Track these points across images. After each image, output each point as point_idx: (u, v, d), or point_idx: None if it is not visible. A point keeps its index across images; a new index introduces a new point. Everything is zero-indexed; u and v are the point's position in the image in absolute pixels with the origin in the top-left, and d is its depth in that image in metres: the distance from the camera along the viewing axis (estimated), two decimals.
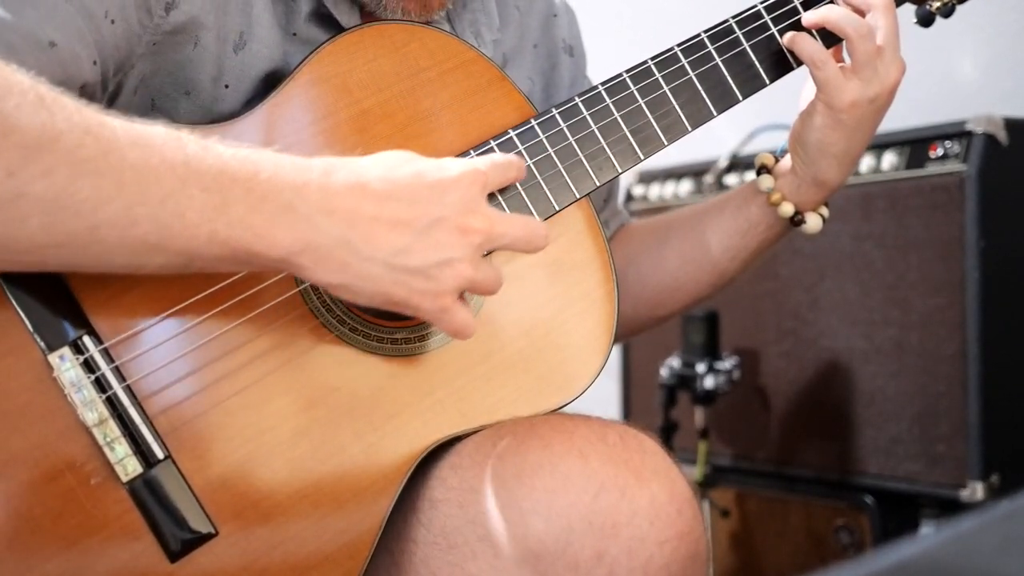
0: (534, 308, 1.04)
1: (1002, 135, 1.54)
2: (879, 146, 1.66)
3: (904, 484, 1.60)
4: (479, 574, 0.93)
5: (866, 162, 1.66)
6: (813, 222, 1.20)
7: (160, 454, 0.91)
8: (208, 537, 0.91)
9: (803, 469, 1.74)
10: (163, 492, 0.90)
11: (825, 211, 1.21)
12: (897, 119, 1.72)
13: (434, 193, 0.89)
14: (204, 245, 0.85)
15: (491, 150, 1.03)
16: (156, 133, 0.85)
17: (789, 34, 1.11)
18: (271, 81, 1.05)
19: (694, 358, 1.80)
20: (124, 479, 0.89)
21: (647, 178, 2.03)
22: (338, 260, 0.87)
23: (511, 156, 0.98)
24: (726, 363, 1.79)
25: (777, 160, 1.22)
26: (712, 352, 1.80)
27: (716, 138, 1.86)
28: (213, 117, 1.03)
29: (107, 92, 0.99)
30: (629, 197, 2.05)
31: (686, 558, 0.90)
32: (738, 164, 1.87)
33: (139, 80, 1.01)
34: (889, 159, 1.63)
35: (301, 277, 0.89)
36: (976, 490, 1.50)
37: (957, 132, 1.56)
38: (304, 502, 0.94)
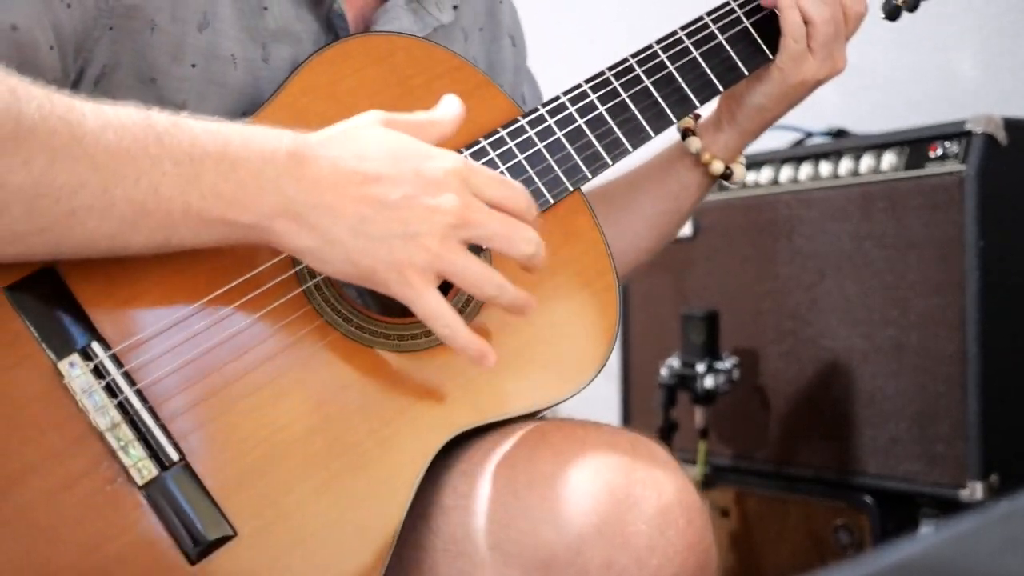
0: (538, 299, 1.05)
1: (1002, 135, 1.54)
2: (879, 146, 1.66)
3: (904, 484, 1.60)
4: None
5: (866, 162, 1.66)
6: (739, 171, 1.27)
7: (175, 456, 0.90)
8: (228, 538, 0.90)
9: (803, 469, 1.74)
10: (180, 494, 0.90)
11: (743, 159, 1.28)
12: (897, 119, 1.73)
13: (406, 169, 0.90)
14: (180, 219, 0.87)
15: (482, 148, 1.05)
16: (126, 113, 0.87)
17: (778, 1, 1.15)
18: (243, 64, 1.04)
19: (694, 358, 1.80)
20: (140, 482, 0.89)
21: None
22: (307, 225, 0.88)
23: (509, 179, 0.97)
24: (726, 363, 1.79)
25: (695, 120, 1.26)
26: (712, 352, 1.80)
27: None
28: (177, 107, 1.00)
29: (69, 80, 0.99)
30: None
31: (695, 568, 0.89)
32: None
33: (100, 72, 1.00)
34: (889, 159, 1.63)
35: (273, 244, 0.90)
36: (976, 490, 1.50)
37: (957, 132, 1.56)
38: (322, 499, 0.94)
